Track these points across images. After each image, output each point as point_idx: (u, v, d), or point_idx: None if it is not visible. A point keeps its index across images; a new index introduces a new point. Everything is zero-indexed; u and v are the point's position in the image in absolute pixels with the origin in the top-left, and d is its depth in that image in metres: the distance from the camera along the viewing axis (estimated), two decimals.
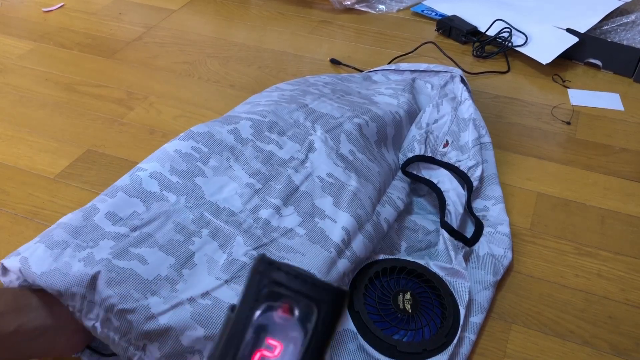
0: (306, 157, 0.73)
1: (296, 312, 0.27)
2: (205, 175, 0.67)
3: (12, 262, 0.56)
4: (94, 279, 0.53)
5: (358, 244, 0.66)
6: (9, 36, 1.28)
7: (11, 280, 0.57)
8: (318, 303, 0.27)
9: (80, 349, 0.60)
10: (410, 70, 1.06)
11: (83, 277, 0.53)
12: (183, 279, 0.56)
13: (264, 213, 0.65)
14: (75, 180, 0.88)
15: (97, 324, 0.54)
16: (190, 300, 0.54)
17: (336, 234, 0.65)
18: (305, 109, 0.81)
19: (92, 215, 0.59)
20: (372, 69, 1.10)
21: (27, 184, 0.88)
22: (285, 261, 0.59)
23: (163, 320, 0.51)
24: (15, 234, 0.79)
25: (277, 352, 0.26)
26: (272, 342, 0.27)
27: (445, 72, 1.02)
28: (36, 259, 0.54)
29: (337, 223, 0.66)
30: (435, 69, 1.04)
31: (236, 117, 0.75)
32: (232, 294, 0.55)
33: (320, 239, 0.64)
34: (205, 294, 0.55)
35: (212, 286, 0.56)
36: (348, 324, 0.64)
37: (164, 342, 0.52)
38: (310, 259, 0.61)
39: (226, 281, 0.57)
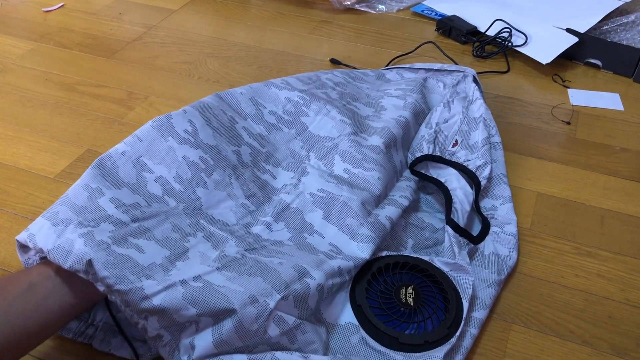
0: (299, 180, 0.77)
1: None
2: (207, 187, 0.71)
3: (22, 239, 0.60)
4: (91, 261, 0.56)
5: (351, 249, 0.68)
6: (9, 36, 1.29)
7: (29, 256, 0.62)
8: None
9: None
10: (425, 69, 1.07)
11: (83, 256, 0.56)
12: (176, 267, 0.59)
13: (256, 229, 0.70)
14: (75, 180, 0.88)
15: (105, 291, 0.57)
16: (183, 282, 0.57)
17: (324, 248, 0.69)
18: (303, 134, 0.84)
19: (97, 198, 0.63)
20: (387, 67, 1.11)
21: (27, 184, 0.88)
22: (275, 259, 0.62)
23: (156, 301, 0.55)
24: (16, 234, 0.79)
25: None
26: None
27: (458, 71, 1.04)
28: (42, 237, 0.58)
29: (325, 239, 0.70)
30: (448, 69, 1.05)
31: (238, 136, 0.78)
32: (222, 279, 0.58)
33: (308, 249, 0.68)
34: (197, 277, 0.58)
35: (203, 271, 0.59)
36: (350, 317, 0.64)
37: (161, 318, 0.56)
38: (298, 259, 0.64)
39: (217, 268, 0.60)
